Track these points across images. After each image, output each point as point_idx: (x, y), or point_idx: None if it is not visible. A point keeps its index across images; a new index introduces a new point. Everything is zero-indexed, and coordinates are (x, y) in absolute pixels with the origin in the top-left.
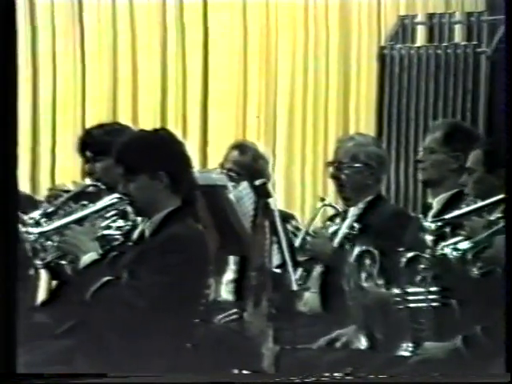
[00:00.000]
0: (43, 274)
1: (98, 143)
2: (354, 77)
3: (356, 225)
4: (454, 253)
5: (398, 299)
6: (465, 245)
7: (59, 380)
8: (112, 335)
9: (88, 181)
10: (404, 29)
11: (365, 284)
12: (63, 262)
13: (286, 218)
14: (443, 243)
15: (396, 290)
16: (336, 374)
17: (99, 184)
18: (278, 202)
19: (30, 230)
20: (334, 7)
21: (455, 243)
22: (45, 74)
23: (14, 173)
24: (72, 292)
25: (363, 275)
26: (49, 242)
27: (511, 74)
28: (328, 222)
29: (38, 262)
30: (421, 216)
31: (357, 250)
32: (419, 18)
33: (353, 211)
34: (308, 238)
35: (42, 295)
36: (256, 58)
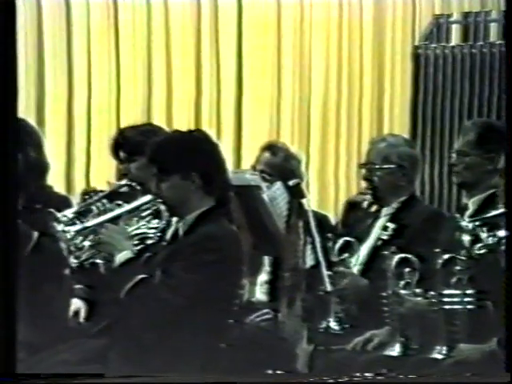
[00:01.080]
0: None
1: (131, 144)
2: (388, 77)
3: (389, 225)
4: (490, 239)
5: (433, 301)
6: (503, 232)
7: (58, 380)
8: (146, 333)
9: (122, 181)
10: (439, 28)
11: (402, 291)
12: (98, 261)
13: (320, 218)
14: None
15: (431, 292)
16: (367, 374)
17: (134, 184)
18: (311, 203)
19: (66, 228)
20: (368, 7)
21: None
22: (80, 75)
23: (14, 171)
24: (106, 290)
25: (401, 283)
26: (84, 241)
27: (511, 74)
28: (346, 254)
29: (74, 261)
30: (457, 215)
31: (396, 257)
32: (454, 17)
33: (386, 211)
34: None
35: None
36: (290, 59)
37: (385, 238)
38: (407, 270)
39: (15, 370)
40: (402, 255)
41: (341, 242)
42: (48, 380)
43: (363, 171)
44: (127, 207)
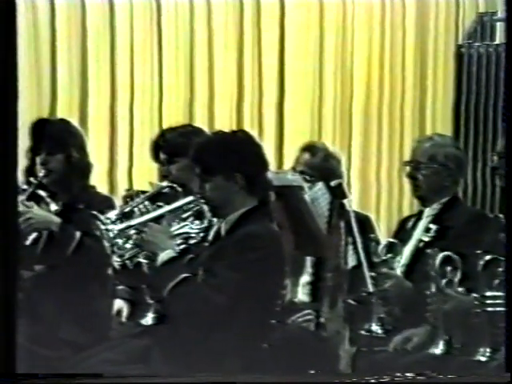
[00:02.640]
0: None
1: (171, 145)
2: (431, 76)
3: (432, 226)
4: None
5: (476, 303)
6: None
7: (57, 380)
8: (188, 332)
9: (164, 183)
10: (483, 26)
11: (446, 290)
12: (141, 260)
13: (361, 219)
14: None
15: (474, 294)
16: (408, 374)
17: (175, 186)
18: (353, 203)
19: (109, 227)
20: (411, 5)
21: None
22: (123, 75)
23: (14, 172)
24: (149, 290)
25: (444, 281)
26: (127, 241)
27: (511, 74)
28: (389, 255)
29: (117, 260)
30: (501, 216)
31: (439, 256)
32: (499, 15)
33: (427, 212)
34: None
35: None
36: (332, 59)
37: (427, 239)
38: (449, 268)
39: (15, 370)
40: (446, 253)
41: (384, 242)
42: (47, 380)
43: (407, 169)
44: (170, 207)
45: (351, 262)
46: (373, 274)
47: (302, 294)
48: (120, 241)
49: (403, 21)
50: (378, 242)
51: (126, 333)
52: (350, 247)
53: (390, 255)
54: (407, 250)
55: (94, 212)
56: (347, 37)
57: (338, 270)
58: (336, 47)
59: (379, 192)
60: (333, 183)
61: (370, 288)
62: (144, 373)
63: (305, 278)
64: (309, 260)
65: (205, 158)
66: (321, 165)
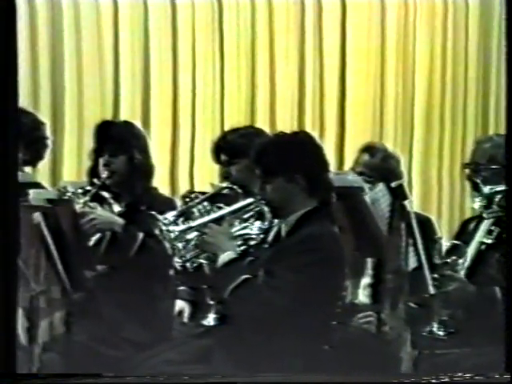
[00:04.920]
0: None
1: (232, 146)
2: (494, 75)
3: (494, 228)
4: None
5: None
6: None
7: (57, 380)
8: (249, 334)
9: (223, 184)
10: None
11: None
12: (201, 261)
13: (422, 221)
14: None
15: None
16: (467, 375)
17: (235, 187)
18: (414, 204)
19: (171, 228)
20: (474, 4)
21: None
22: (184, 76)
23: (14, 173)
24: (209, 291)
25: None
26: (188, 242)
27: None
28: (453, 257)
29: (178, 261)
30: None
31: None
32: None
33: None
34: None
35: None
36: (394, 59)
37: (489, 241)
38: None
39: (15, 370)
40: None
41: (448, 244)
42: (47, 380)
43: (467, 171)
44: (231, 208)
45: (412, 263)
46: (434, 275)
47: (363, 296)
48: (181, 242)
49: (466, 19)
50: (439, 244)
51: (187, 333)
52: (411, 249)
53: (452, 257)
54: (469, 253)
55: (156, 213)
56: (409, 36)
57: (398, 272)
58: (398, 47)
59: (441, 193)
60: (393, 184)
61: (431, 290)
62: (205, 373)
63: (365, 280)
64: (369, 261)
65: (265, 159)
66: (380, 165)
